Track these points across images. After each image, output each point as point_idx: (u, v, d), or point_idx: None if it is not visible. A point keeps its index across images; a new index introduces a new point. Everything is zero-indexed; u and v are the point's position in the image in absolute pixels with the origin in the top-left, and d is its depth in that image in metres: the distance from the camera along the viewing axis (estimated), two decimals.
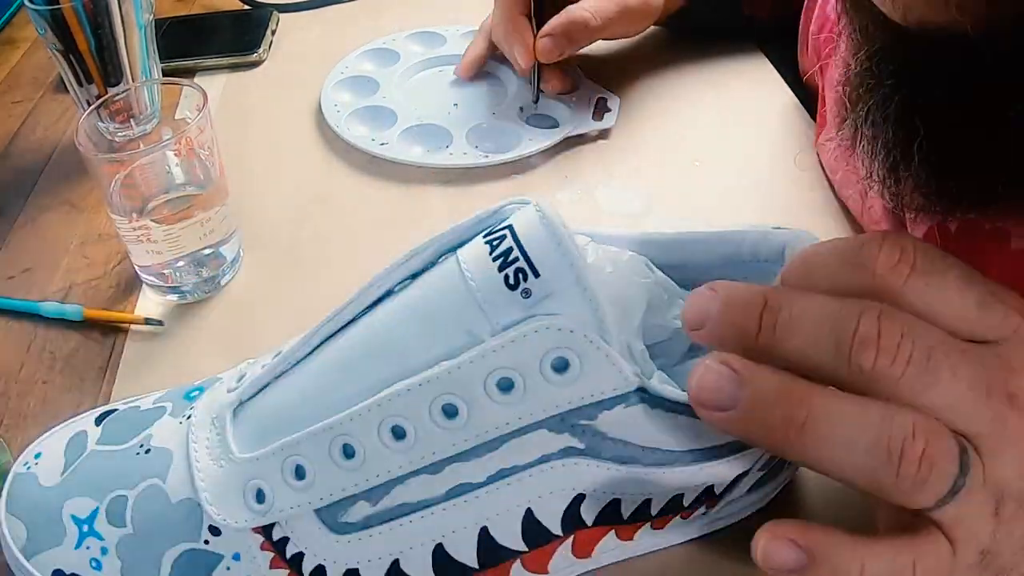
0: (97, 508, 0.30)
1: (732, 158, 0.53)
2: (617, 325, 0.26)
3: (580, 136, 0.55)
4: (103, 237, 0.50)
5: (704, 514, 0.30)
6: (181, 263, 0.44)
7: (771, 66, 0.61)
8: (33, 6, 0.49)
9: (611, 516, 0.28)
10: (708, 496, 0.29)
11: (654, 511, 0.29)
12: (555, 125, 0.55)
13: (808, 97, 0.57)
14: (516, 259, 0.26)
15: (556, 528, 0.28)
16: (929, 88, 0.27)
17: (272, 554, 0.28)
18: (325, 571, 0.28)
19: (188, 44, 0.67)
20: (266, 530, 0.28)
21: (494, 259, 0.26)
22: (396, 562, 0.28)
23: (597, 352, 0.25)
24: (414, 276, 0.29)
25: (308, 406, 0.28)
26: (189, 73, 0.65)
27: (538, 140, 0.54)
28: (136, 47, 0.53)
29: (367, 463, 0.27)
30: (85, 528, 0.30)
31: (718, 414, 0.23)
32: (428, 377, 0.26)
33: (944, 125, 0.27)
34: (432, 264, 0.29)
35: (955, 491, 0.22)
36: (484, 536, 0.28)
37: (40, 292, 0.47)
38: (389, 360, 0.27)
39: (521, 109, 0.57)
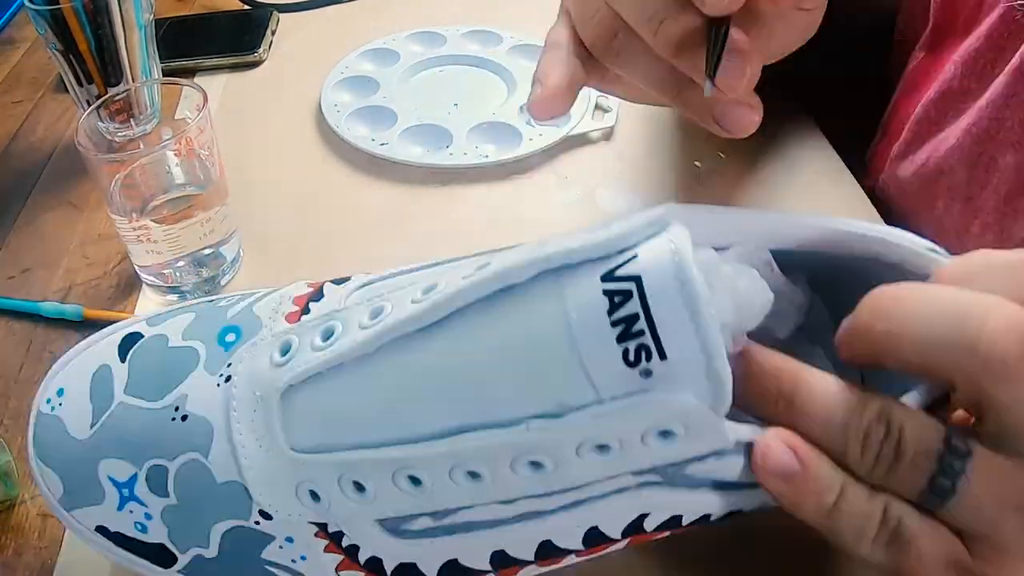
0: (136, 474, 0.28)
1: (732, 159, 0.53)
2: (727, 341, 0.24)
3: (580, 136, 0.55)
4: (103, 237, 0.50)
5: None
6: (181, 263, 0.44)
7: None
8: (33, 6, 0.49)
9: (671, 525, 0.27)
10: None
11: (712, 519, 0.28)
12: (555, 125, 0.55)
13: (815, 101, 0.57)
14: (641, 332, 0.22)
15: (616, 535, 0.27)
16: None
17: (327, 542, 0.27)
18: (381, 563, 0.27)
19: (188, 44, 0.67)
20: (320, 523, 0.27)
21: (613, 323, 0.22)
22: (455, 559, 0.27)
23: (705, 424, 0.23)
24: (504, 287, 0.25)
25: (372, 422, 0.25)
26: (189, 73, 0.65)
27: (538, 140, 0.54)
28: (136, 47, 0.53)
29: (434, 494, 0.25)
30: (125, 492, 0.28)
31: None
32: (517, 439, 0.23)
33: None
34: (530, 282, 0.24)
35: (939, 492, 0.22)
36: (545, 544, 0.27)
37: (40, 292, 0.47)
38: (473, 402, 0.24)
39: (521, 108, 0.57)
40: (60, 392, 0.30)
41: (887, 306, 0.23)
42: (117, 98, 0.48)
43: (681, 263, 0.22)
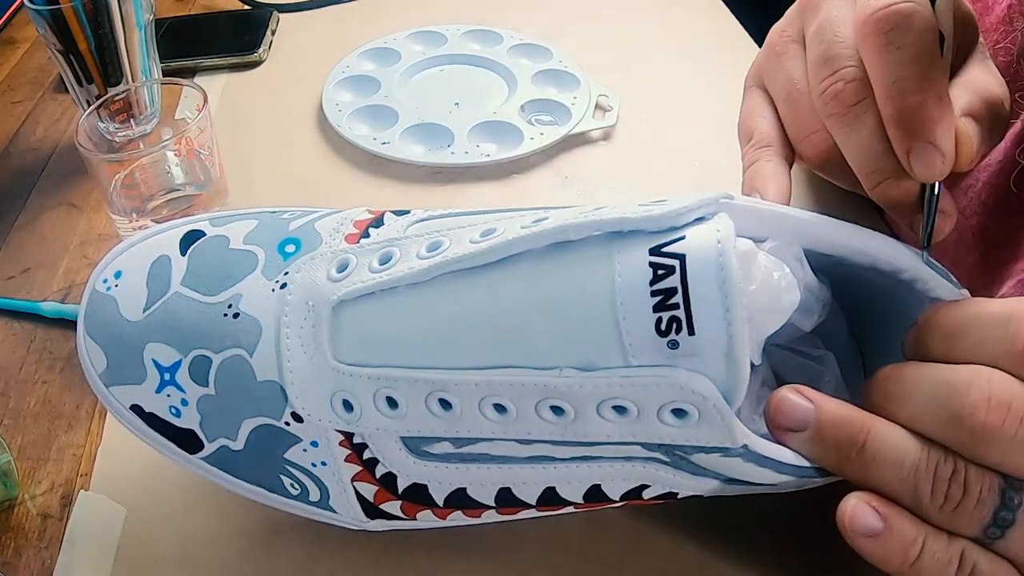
0: (180, 361, 0.29)
1: (733, 159, 0.53)
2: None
3: (581, 135, 0.55)
4: (103, 237, 0.50)
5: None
6: None
7: None
8: (33, 6, 0.49)
9: (666, 497, 0.29)
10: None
11: (705, 496, 0.29)
12: (556, 124, 0.55)
13: None
14: (676, 306, 0.23)
15: (615, 497, 0.28)
16: None
17: (349, 451, 0.28)
18: (395, 480, 0.29)
19: (188, 44, 0.67)
20: (347, 432, 0.28)
21: (653, 293, 0.24)
22: (463, 489, 0.28)
23: (716, 414, 0.25)
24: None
25: (415, 346, 0.27)
26: (189, 73, 0.64)
27: (539, 139, 0.54)
28: (136, 47, 0.53)
29: (461, 420, 0.27)
30: (167, 376, 0.30)
31: (789, 434, 0.27)
32: (547, 382, 0.25)
33: None
34: (583, 240, 0.25)
35: (1001, 524, 0.24)
36: (549, 491, 0.28)
37: (40, 292, 0.47)
38: (510, 344, 0.26)
39: (522, 108, 0.57)
40: (118, 275, 0.31)
41: (890, 389, 0.26)
42: (117, 98, 0.48)
43: (723, 251, 0.23)
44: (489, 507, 0.29)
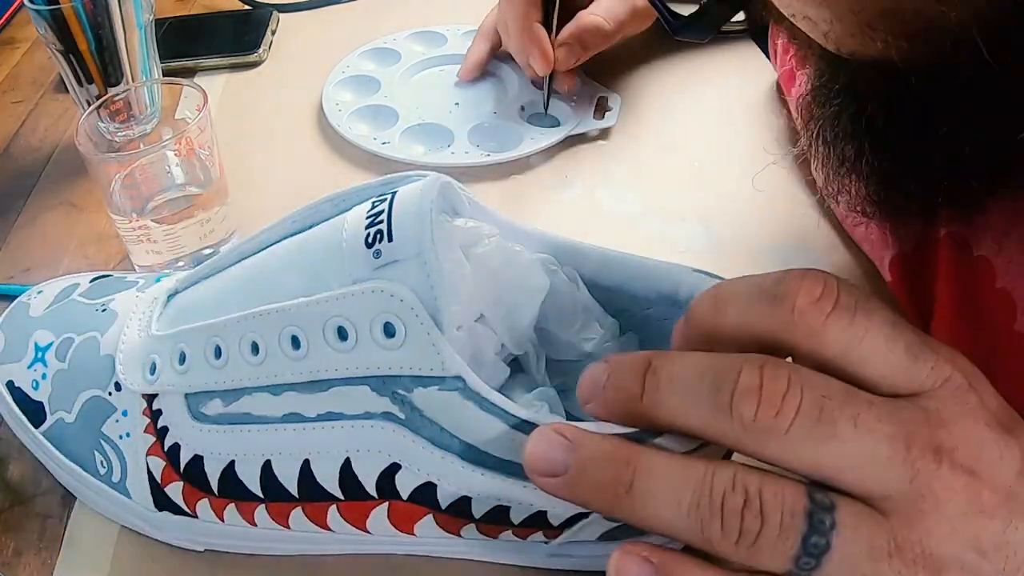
0: (52, 342, 0.35)
1: (733, 159, 0.53)
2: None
3: (581, 135, 0.55)
4: (103, 237, 0.50)
5: (545, 543, 0.30)
6: (181, 263, 0.44)
7: (772, 67, 0.60)
8: (33, 6, 0.49)
9: (426, 498, 0.29)
10: (543, 522, 0.28)
11: (476, 513, 0.29)
12: (556, 124, 0.55)
13: None
14: (381, 221, 0.28)
15: (371, 487, 0.29)
16: (868, 107, 0.28)
17: (148, 420, 0.32)
18: (179, 450, 0.31)
19: (188, 44, 0.67)
20: (150, 399, 0.32)
21: (367, 217, 0.28)
22: (232, 463, 0.31)
23: (420, 328, 0.26)
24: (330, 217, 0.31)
25: (208, 307, 0.32)
26: (189, 73, 0.64)
27: (539, 139, 0.54)
28: (136, 47, 0.53)
29: (228, 367, 0.30)
30: (39, 354, 0.35)
31: (549, 480, 0.23)
32: (281, 308, 0.29)
33: (884, 141, 0.29)
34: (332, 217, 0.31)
35: (814, 552, 0.21)
36: (306, 469, 0.30)
37: None
38: (269, 288, 0.30)
39: (522, 108, 0.57)
40: (39, 292, 0.39)
41: (648, 379, 0.23)
42: (117, 98, 0.48)
43: (425, 185, 0.28)
44: (259, 499, 0.31)
